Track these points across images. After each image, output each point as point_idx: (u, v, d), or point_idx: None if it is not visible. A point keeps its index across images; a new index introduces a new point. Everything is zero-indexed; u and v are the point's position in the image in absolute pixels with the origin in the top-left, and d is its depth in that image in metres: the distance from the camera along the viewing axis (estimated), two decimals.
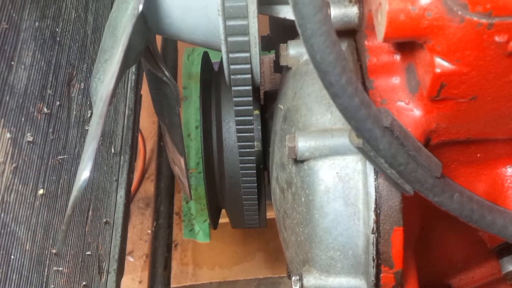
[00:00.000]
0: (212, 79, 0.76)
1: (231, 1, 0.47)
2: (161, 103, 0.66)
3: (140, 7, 0.45)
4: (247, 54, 0.50)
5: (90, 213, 0.72)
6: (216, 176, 0.74)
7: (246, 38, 0.49)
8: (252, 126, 0.61)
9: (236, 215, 0.78)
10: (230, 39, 0.49)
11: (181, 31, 0.52)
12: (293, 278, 0.53)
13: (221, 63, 0.71)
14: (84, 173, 0.40)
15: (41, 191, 0.59)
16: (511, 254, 0.61)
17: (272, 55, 1.21)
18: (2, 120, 0.54)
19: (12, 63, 0.56)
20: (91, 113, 0.72)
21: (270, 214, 0.76)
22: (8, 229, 0.54)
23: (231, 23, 0.48)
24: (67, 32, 0.68)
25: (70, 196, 0.67)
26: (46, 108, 0.62)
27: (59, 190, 0.64)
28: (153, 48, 0.57)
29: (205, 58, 0.79)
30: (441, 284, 0.79)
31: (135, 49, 0.51)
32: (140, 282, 1.36)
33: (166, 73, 0.58)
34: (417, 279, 0.57)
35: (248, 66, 0.51)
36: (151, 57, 0.58)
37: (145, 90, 0.87)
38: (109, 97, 0.43)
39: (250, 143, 0.63)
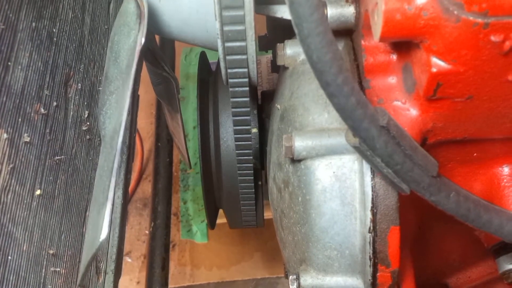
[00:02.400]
0: (209, 79, 0.76)
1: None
2: (159, 87, 0.67)
3: (143, 41, 0.45)
4: (244, 57, 0.50)
5: (87, 213, 0.72)
6: (213, 176, 0.74)
7: (243, 43, 0.49)
8: (249, 127, 0.61)
9: (234, 215, 0.78)
10: (227, 44, 0.49)
11: (180, 37, 0.52)
12: (290, 277, 0.53)
13: (218, 63, 0.71)
14: (102, 235, 0.40)
15: (38, 192, 0.59)
16: (507, 253, 0.62)
17: (269, 55, 1.21)
18: None
19: (9, 63, 0.56)
20: (88, 114, 0.72)
21: (267, 214, 0.76)
22: (5, 229, 0.53)
23: (228, 28, 0.48)
24: (64, 33, 0.68)
25: (67, 197, 0.67)
26: (43, 108, 0.61)
27: (56, 190, 0.64)
28: (153, 47, 0.57)
29: (203, 58, 0.79)
30: (438, 283, 0.80)
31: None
32: (138, 282, 1.36)
33: (166, 68, 0.59)
34: (414, 278, 0.57)
35: (245, 69, 0.52)
36: (150, 56, 0.58)
37: (142, 91, 0.87)
38: (119, 149, 0.43)
39: (247, 143, 0.64)
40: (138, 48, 0.45)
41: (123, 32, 0.48)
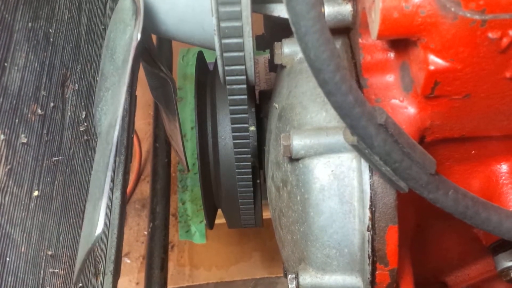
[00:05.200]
0: (207, 79, 0.76)
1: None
2: (157, 88, 0.67)
3: (139, 37, 0.45)
4: (241, 54, 0.50)
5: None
6: (211, 176, 0.74)
7: (240, 40, 0.49)
8: (247, 125, 0.61)
9: (232, 214, 0.78)
10: (224, 41, 0.49)
11: (177, 35, 0.52)
12: (289, 276, 0.53)
13: (215, 64, 0.71)
14: (98, 229, 0.40)
15: (36, 193, 0.59)
16: (506, 251, 0.62)
17: (267, 55, 1.22)
18: None
19: (5, 64, 0.56)
20: (86, 114, 0.72)
21: (266, 214, 0.76)
22: (3, 231, 0.53)
23: (225, 24, 0.48)
24: (60, 33, 0.68)
25: (65, 198, 0.66)
26: (40, 109, 0.61)
27: (54, 191, 0.64)
28: (149, 47, 0.57)
29: (200, 58, 0.79)
30: (437, 281, 0.80)
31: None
32: (137, 283, 1.36)
33: (163, 68, 0.59)
34: (412, 277, 0.57)
35: (242, 67, 0.51)
36: (147, 55, 0.58)
37: (139, 92, 0.87)
38: (115, 143, 0.43)
39: (245, 141, 0.63)
40: (134, 44, 0.45)
41: (119, 29, 0.48)
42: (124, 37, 0.46)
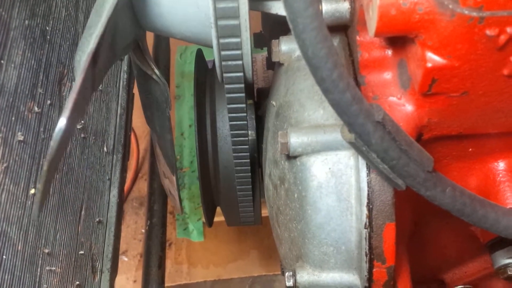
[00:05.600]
0: (206, 76, 0.76)
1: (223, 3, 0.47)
2: (151, 107, 0.66)
3: None
4: (238, 52, 0.50)
5: (82, 212, 0.72)
6: (210, 173, 0.74)
7: (237, 39, 0.49)
8: (245, 123, 0.61)
9: (231, 212, 0.78)
10: (222, 40, 0.49)
11: (171, 24, 0.52)
12: (287, 274, 0.53)
13: (214, 60, 0.71)
14: (60, 120, 0.39)
15: (32, 191, 0.59)
16: (503, 248, 0.62)
17: (264, 53, 1.21)
18: None
19: (2, 61, 0.55)
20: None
21: (264, 212, 0.76)
22: (0, 229, 0.53)
23: (223, 22, 0.48)
24: (57, 31, 0.68)
25: (62, 196, 0.66)
26: (37, 107, 0.61)
27: (51, 189, 0.64)
28: (143, 45, 0.57)
29: (199, 55, 0.79)
30: (434, 279, 0.80)
31: (123, 36, 0.50)
32: (135, 281, 1.36)
33: (156, 71, 0.58)
34: (410, 275, 0.57)
35: (240, 62, 0.51)
36: (140, 54, 0.57)
37: (137, 90, 0.86)
38: (91, 55, 0.42)
39: (243, 140, 0.63)
40: None
41: None
42: None
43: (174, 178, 0.73)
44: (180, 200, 0.80)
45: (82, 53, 0.46)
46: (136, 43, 0.56)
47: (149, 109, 0.67)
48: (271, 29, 0.76)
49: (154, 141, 0.75)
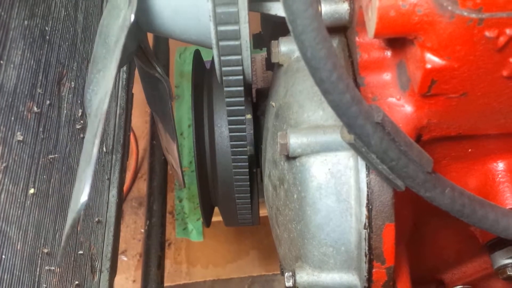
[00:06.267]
0: (204, 76, 0.76)
1: (222, 8, 0.47)
2: (153, 96, 0.66)
3: (132, 17, 0.45)
4: (238, 57, 0.50)
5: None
6: (208, 174, 0.74)
7: (237, 42, 0.49)
8: (244, 125, 0.61)
9: (229, 213, 0.78)
10: (222, 43, 0.49)
11: (172, 30, 0.52)
12: (286, 274, 0.53)
13: (212, 62, 0.71)
14: (82, 197, 0.40)
15: (32, 191, 0.59)
16: (502, 249, 0.62)
17: (264, 53, 1.21)
18: None
19: (1, 62, 0.55)
20: (82, 112, 0.72)
21: (263, 212, 0.76)
22: None
23: (222, 28, 0.48)
24: (56, 31, 0.68)
25: (61, 196, 0.66)
26: (36, 107, 0.61)
27: (50, 189, 0.64)
28: (145, 46, 0.57)
29: (197, 56, 0.79)
30: (433, 279, 0.80)
31: (127, 50, 0.50)
32: (134, 281, 1.36)
33: (158, 69, 0.58)
34: (409, 275, 0.57)
35: (239, 67, 0.51)
36: (142, 55, 0.57)
37: (136, 89, 0.86)
38: (104, 115, 0.43)
39: (242, 141, 0.63)
40: (127, 23, 0.44)
41: (112, 15, 0.47)
42: (117, 21, 0.46)
43: (175, 148, 0.73)
44: (182, 173, 0.81)
45: (92, 93, 0.46)
46: (139, 46, 0.56)
47: (151, 97, 0.68)
48: (270, 30, 0.76)
49: (156, 120, 0.76)
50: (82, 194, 0.40)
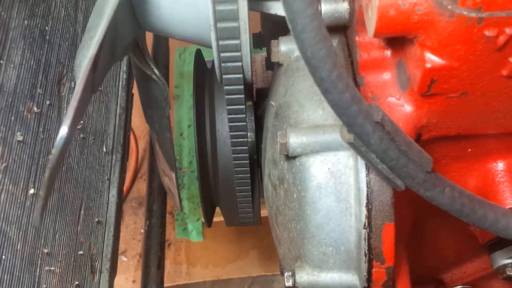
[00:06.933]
0: (205, 76, 0.76)
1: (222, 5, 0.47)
2: (150, 106, 0.66)
3: None
4: (238, 54, 0.50)
5: (82, 212, 0.72)
6: (210, 174, 0.74)
7: (237, 41, 0.49)
8: (244, 124, 0.61)
9: (230, 212, 0.78)
10: (221, 42, 0.49)
11: (171, 24, 0.52)
12: (286, 274, 0.53)
13: (213, 62, 0.71)
14: (62, 129, 0.40)
15: (31, 191, 0.59)
16: (502, 248, 0.62)
17: (264, 53, 1.21)
18: None
19: (1, 61, 0.55)
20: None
21: (263, 212, 0.76)
22: None
23: (222, 25, 0.48)
24: (56, 31, 0.68)
25: (61, 196, 0.66)
26: (36, 107, 0.61)
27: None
28: (142, 45, 0.57)
29: (198, 55, 0.79)
30: (433, 279, 0.80)
31: (122, 38, 0.50)
32: (134, 281, 1.36)
33: (155, 71, 0.58)
34: (409, 275, 0.57)
35: (239, 64, 0.51)
36: (139, 54, 0.57)
37: (136, 89, 0.86)
38: (91, 62, 0.42)
39: (243, 141, 0.63)
40: None
41: None
42: None
43: (173, 175, 0.72)
44: (180, 198, 0.80)
45: (82, 57, 0.46)
46: (136, 44, 0.56)
47: (148, 108, 0.67)
48: (270, 29, 0.76)
49: (154, 139, 0.75)
50: (62, 126, 0.39)
